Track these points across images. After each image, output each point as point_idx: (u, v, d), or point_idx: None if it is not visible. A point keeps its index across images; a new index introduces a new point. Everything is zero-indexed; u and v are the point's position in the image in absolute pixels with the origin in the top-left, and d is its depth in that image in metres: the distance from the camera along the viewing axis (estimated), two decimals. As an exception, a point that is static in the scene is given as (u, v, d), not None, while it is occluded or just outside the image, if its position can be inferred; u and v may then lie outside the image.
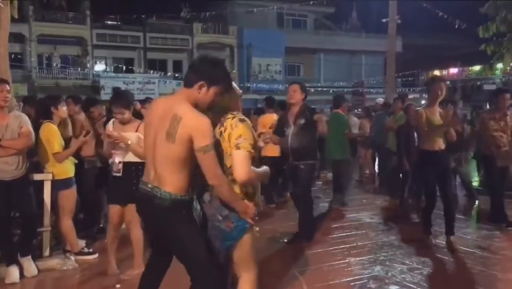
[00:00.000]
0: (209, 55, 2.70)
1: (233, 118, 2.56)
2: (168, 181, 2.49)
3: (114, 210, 4.19)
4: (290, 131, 5.12)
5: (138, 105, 6.59)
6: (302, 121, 5.05)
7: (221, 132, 2.56)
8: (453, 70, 32.91)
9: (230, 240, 2.61)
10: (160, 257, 2.86)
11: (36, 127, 4.43)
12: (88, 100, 6.03)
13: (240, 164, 2.46)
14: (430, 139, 4.93)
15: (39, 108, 4.72)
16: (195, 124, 2.41)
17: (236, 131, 2.50)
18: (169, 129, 2.43)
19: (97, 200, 5.58)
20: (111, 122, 4.22)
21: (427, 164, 4.97)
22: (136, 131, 4.05)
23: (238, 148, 2.47)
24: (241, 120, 2.54)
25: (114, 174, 4.08)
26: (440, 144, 4.96)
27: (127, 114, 4.09)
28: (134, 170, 4.01)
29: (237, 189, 2.55)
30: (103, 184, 5.19)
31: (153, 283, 2.86)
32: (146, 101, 7.05)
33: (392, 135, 7.38)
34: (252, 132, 2.57)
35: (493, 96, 5.94)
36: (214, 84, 2.51)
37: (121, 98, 4.19)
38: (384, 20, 16.32)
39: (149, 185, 2.55)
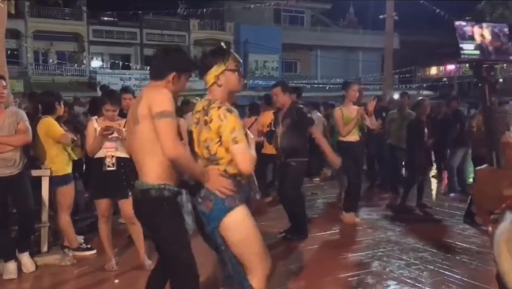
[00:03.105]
0: (170, 46, 2.80)
1: (218, 108, 2.43)
2: (145, 171, 2.44)
3: (103, 203, 4.24)
4: (279, 130, 5.17)
5: None
6: (288, 121, 5.08)
7: (205, 121, 2.45)
8: (450, 67, 32.96)
9: (212, 222, 2.46)
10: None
11: (35, 123, 4.43)
12: (96, 102, 5.88)
13: (243, 157, 2.41)
14: (347, 133, 5.74)
15: (44, 103, 4.69)
16: (153, 96, 2.41)
17: (228, 124, 2.39)
18: (133, 114, 2.45)
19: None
20: (94, 119, 4.31)
21: (344, 152, 5.71)
22: (124, 127, 4.17)
23: (235, 142, 2.39)
24: (229, 110, 2.42)
25: (108, 168, 4.17)
26: (355, 137, 5.79)
27: (117, 111, 4.28)
28: (123, 166, 4.17)
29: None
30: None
31: (159, 280, 2.79)
32: None
33: (395, 131, 7.41)
34: (240, 120, 2.49)
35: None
36: (183, 71, 2.56)
37: (115, 96, 4.38)
38: (381, 16, 16.32)
39: (137, 182, 2.54)
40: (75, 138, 4.78)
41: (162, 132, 2.32)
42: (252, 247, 2.52)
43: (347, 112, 5.75)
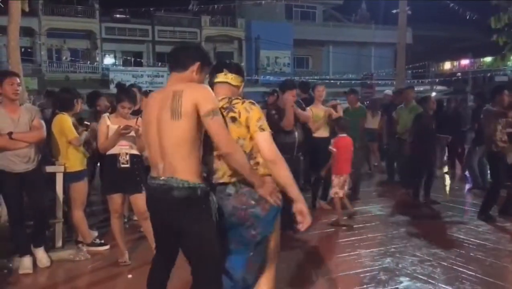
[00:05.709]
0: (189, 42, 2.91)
1: (242, 102, 2.55)
2: (181, 168, 2.36)
3: (117, 199, 4.28)
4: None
5: None
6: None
7: (234, 118, 2.50)
8: (464, 62, 32.54)
9: (269, 224, 2.58)
10: (166, 252, 2.75)
11: (51, 120, 4.50)
12: (92, 95, 6.11)
13: (267, 144, 2.49)
14: (317, 129, 6.21)
15: (61, 100, 4.76)
16: (198, 93, 2.39)
17: (254, 114, 2.52)
18: (172, 106, 2.36)
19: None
20: (106, 116, 4.33)
21: (315, 147, 6.03)
22: (136, 124, 4.20)
23: (262, 129, 2.50)
24: (253, 103, 2.56)
25: (122, 165, 4.21)
26: (323, 133, 6.30)
27: (132, 109, 4.33)
28: (136, 162, 4.24)
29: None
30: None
31: (161, 279, 2.77)
32: None
33: (402, 125, 7.36)
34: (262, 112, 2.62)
35: (494, 93, 5.97)
36: (207, 64, 2.61)
37: (129, 93, 4.41)
38: (394, 11, 16.14)
39: (162, 178, 2.40)
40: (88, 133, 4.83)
41: (217, 129, 2.36)
42: (278, 245, 2.69)
43: (316, 110, 6.31)
